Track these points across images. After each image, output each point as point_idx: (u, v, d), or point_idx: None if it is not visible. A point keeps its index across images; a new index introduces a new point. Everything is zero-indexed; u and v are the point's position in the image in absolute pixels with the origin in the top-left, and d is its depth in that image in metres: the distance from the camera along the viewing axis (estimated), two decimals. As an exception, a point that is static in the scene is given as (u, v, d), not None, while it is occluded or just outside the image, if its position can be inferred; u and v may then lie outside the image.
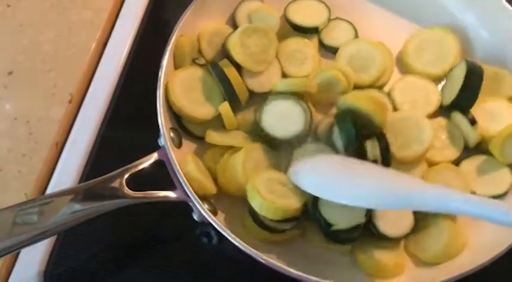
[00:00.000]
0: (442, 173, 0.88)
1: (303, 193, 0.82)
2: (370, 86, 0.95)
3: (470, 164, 0.91)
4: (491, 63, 0.94)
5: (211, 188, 0.84)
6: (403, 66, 1.00)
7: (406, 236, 0.85)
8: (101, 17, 1.07)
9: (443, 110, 0.95)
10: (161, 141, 0.84)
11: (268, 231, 0.83)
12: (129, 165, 0.84)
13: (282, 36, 0.98)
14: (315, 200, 0.85)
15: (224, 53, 0.94)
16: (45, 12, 1.08)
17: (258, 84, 0.92)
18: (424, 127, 0.88)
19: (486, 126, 0.90)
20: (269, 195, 0.80)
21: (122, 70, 1.04)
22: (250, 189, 0.81)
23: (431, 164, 0.90)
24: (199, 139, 0.91)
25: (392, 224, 0.86)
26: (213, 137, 0.88)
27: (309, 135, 0.90)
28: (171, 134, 0.87)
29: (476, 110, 0.91)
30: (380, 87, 0.97)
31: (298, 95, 0.89)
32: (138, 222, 0.93)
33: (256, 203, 0.81)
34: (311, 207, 0.86)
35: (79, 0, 1.08)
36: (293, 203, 0.82)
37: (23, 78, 1.01)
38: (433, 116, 0.94)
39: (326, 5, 1.01)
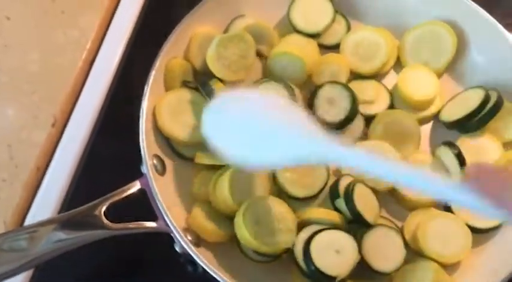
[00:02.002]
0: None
1: (291, 234, 0.81)
2: (376, 73, 0.95)
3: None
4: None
5: (221, 235, 0.84)
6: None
7: (397, 270, 0.83)
8: (88, 37, 1.04)
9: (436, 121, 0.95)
10: (143, 169, 0.81)
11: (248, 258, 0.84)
12: (109, 195, 0.82)
13: (281, 33, 0.99)
14: (307, 246, 0.81)
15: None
16: (31, 33, 1.03)
17: (244, 74, 0.92)
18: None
19: (471, 162, 0.86)
20: (255, 230, 0.80)
21: (108, 92, 1.01)
22: (237, 217, 0.80)
23: (411, 205, 0.88)
24: (187, 164, 0.90)
25: (383, 260, 0.83)
26: (203, 157, 0.87)
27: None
28: (154, 161, 0.85)
29: (461, 143, 0.90)
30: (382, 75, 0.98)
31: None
32: (121, 248, 0.90)
33: (240, 235, 0.81)
34: (302, 256, 0.81)
35: (65, 20, 1.05)
36: (278, 246, 0.81)
37: (6, 100, 0.99)
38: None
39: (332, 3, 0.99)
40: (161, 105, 0.87)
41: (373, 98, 0.93)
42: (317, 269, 0.78)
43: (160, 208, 0.79)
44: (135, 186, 0.82)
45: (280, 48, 0.92)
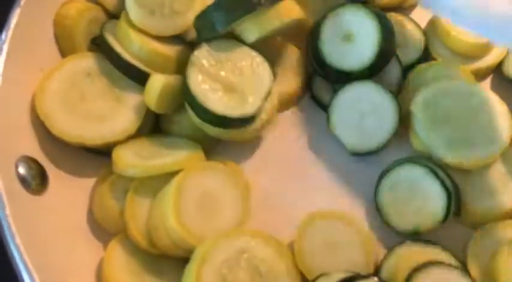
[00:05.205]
0: None
1: None
2: (398, 3, 0.76)
3: None
4: None
5: None
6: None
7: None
8: None
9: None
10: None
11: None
12: None
13: None
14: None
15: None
16: None
17: (182, 23, 0.67)
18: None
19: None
20: None
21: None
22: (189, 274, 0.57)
23: (476, 215, 0.65)
24: (94, 169, 0.66)
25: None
26: (126, 161, 0.61)
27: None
28: (20, 170, 0.58)
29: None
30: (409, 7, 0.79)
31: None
32: None
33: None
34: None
35: None
36: None
37: None
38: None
39: None
40: (46, 90, 0.64)
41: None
42: None
43: (19, 261, 0.51)
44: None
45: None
